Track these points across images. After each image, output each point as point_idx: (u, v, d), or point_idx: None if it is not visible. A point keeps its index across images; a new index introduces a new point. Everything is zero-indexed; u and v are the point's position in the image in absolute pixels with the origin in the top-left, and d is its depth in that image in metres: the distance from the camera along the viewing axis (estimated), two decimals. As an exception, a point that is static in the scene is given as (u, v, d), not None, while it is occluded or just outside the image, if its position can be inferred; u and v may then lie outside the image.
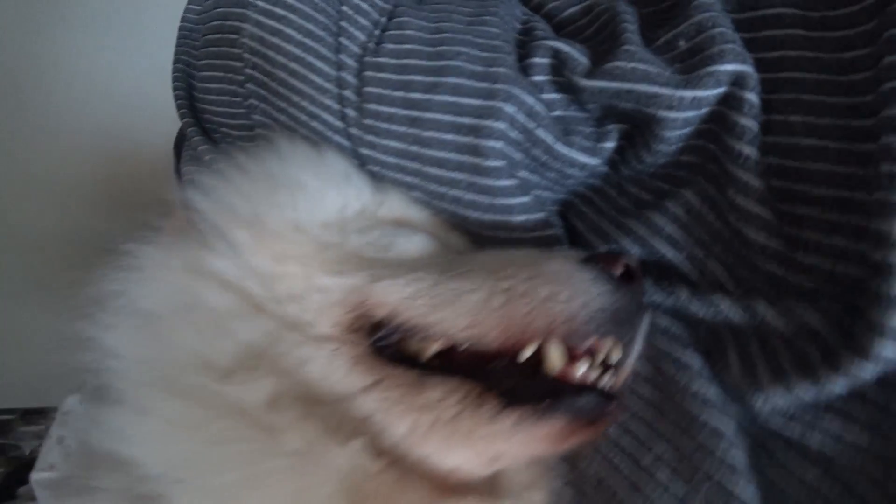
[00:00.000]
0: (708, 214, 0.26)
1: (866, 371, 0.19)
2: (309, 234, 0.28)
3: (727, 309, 0.24)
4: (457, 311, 0.25)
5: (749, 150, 0.24)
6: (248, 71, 0.37)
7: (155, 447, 0.24)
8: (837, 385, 0.20)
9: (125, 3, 1.10)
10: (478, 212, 0.30)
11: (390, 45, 0.32)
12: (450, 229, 0.32)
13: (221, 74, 0.40)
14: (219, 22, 0.40)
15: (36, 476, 0.54)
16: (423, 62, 0.30)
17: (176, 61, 0.46)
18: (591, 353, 0.23)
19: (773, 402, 0.22)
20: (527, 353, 0.23)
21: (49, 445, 0.54)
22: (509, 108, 0.28)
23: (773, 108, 0.24)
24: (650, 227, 0.27)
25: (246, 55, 0.37)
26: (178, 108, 0.46)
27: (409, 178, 0.32)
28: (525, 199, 0.29)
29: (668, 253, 0.26)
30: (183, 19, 0.47)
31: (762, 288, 0.24)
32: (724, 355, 0.24)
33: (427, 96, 0.30)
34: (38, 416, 1.24)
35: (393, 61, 0.32)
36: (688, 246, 0.26)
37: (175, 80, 0.45)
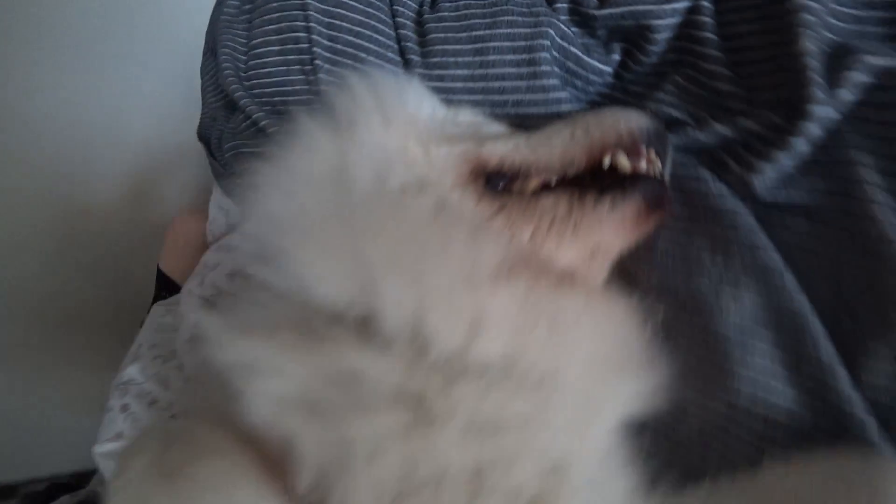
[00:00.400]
0: (690, 86, 0.39)
1: (814, 129, 0.32)
2: (419, 122, 0.37)
3: (721, 129, 0.36)
4: (551, 148, 0.35)
5: (711, 36, 0.38)
6: (315, 37, 0.46)
7: (346, 269, 0.30)
8: (802, 144, 0.32)
9: (87, 36, 1.09)
10: (534, 107, 0.41)
11: (447, 3, 0.44)
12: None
13: (279, 48, 0.49)
14: (278, 3, 0.49)
15: (101, 449, 0.51)
16: (480, 10, 0.42)
17: (223, 46, 0.53)
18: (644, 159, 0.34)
19: (766, 176, 0.34)
20: (606, 162, 0.34)
21: (111, 417, 0.51)
22: (551, 31, 0.40)
23: (719, 11, 0.38)
24: (654, 101, 0.40)
25: (312, 24, 0.46)
26: (229, 84, 0.53)
27: (474, 96, 0.42)
28: (567, 94, 0.41)
29: (672, 112, 0.39)
30: (222, 13, 0.55)
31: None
32: (724, 164, 0.36)
33: (489, 31, 0.41)
34: (8, 492, 1.06)
35: (452, 13, 0.43)
36: (683, 105, 0.39)
37: (224, 62, 0.53)
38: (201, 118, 0.66)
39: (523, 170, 0.35)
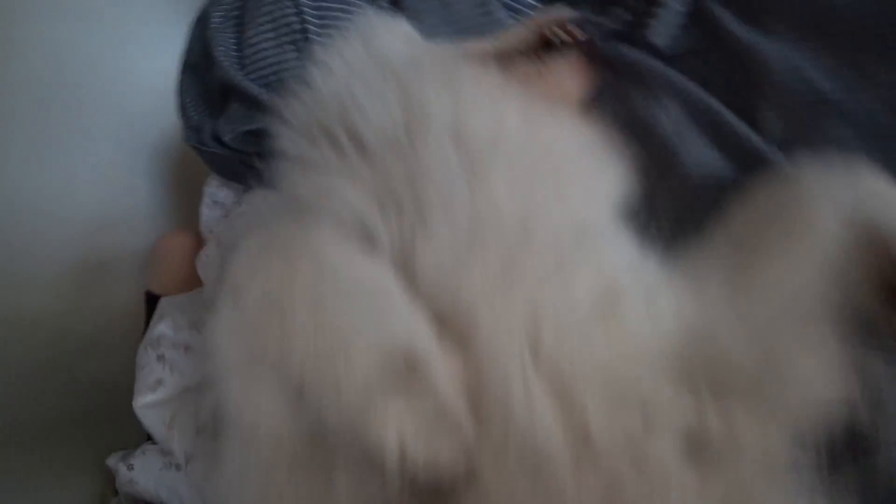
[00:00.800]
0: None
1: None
2: (413, 38, 0.50)
3: (621, 13, 0.52)
4: (513, 37, 0.48)
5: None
6: (306, 17, 0.60)
7: (395, 98, 0.39)
8: (676, 3, 0.48)
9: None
10: (491, 30, 0.55)
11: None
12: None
13: (273, 34, 0.62)
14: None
15: (142, 401, 0.48)
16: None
17: (218, 46, 0.65)
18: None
19: (660, 32, 0.49)
20: (550, 36, 0.47)
21: (148, 369, 0.50)
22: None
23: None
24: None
25: (303, 9, 0.60)
26: (227, 72, 0.63)
27: (443, 36, 0.56)
28: (514, 21, 0.56)
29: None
30: (210, 25, 0.67)
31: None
32: (632, 37, 0.51)
33: (451, -9, 0.57)
34: None
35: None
36: (594, 13, 0.55)
37: (220, 57, 0.64)
38: (184, 132, 0.74)
39: (496, 55, 0.48)
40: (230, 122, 0.64)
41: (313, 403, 0.28)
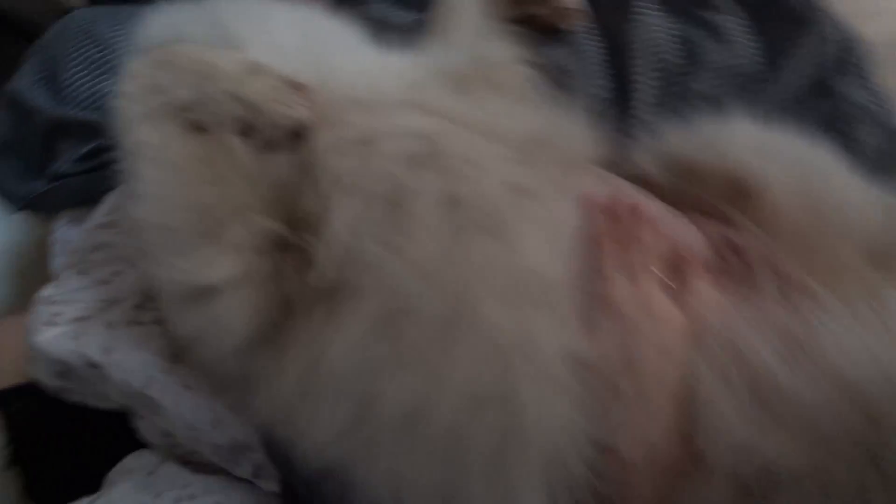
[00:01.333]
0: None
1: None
2: None
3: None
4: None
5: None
6: (109, 45, 0.74)
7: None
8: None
9: None
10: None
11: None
12: None
13: (87, 70, 0.74)
14: (73, 49, 0.75)
15: (42, 337, 0.44)
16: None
17: (32, 98, 0.73)
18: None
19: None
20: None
21: (38, 315, 0.47)
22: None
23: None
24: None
25: (105, 39, 0.74)
26: (54, 113, 0.72)
27: None
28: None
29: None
30: (19, 94, 0.75)
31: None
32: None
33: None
34: None
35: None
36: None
37: (38, 103, 0.73)
38: (13, 206, 0.77)
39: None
40: (70, 159, 0.68)
41: (203, 104, 0.42)
